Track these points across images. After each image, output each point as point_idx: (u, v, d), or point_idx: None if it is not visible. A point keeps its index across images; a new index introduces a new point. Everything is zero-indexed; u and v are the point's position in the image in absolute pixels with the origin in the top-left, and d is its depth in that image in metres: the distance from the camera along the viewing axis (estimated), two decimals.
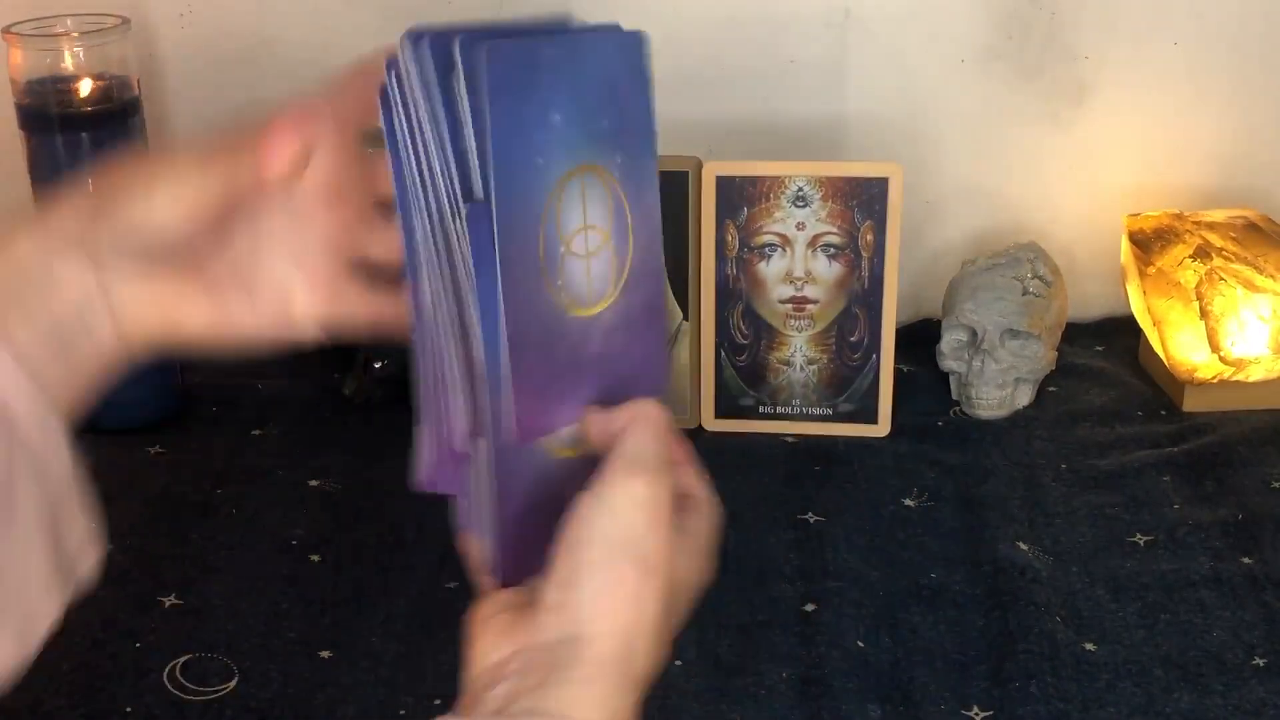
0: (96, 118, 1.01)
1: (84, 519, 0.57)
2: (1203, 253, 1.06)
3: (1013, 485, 0.98)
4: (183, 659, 0.80)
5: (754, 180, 1.03)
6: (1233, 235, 1.07)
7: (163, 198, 0.57)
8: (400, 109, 0.55)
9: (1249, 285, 1.03)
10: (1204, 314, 1.04)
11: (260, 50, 1.16)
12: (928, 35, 1.16)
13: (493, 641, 0.52)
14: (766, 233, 1.04)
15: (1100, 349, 1.18)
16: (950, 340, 1.09)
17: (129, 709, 0.77)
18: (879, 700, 0.78)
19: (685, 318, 1.06)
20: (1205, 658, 0.81)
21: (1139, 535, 0.92)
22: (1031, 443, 1.04)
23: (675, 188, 1.04)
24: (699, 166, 1.04)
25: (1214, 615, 0.84)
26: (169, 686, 0.78)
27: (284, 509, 0.96)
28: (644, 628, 0.51)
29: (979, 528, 0.93)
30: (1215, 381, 1.06)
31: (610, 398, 0.56)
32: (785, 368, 1.06)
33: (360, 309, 0.60)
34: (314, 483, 0.99)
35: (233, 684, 0.79)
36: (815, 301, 1.05)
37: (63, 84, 1.00)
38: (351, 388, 1.11)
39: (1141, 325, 1.12)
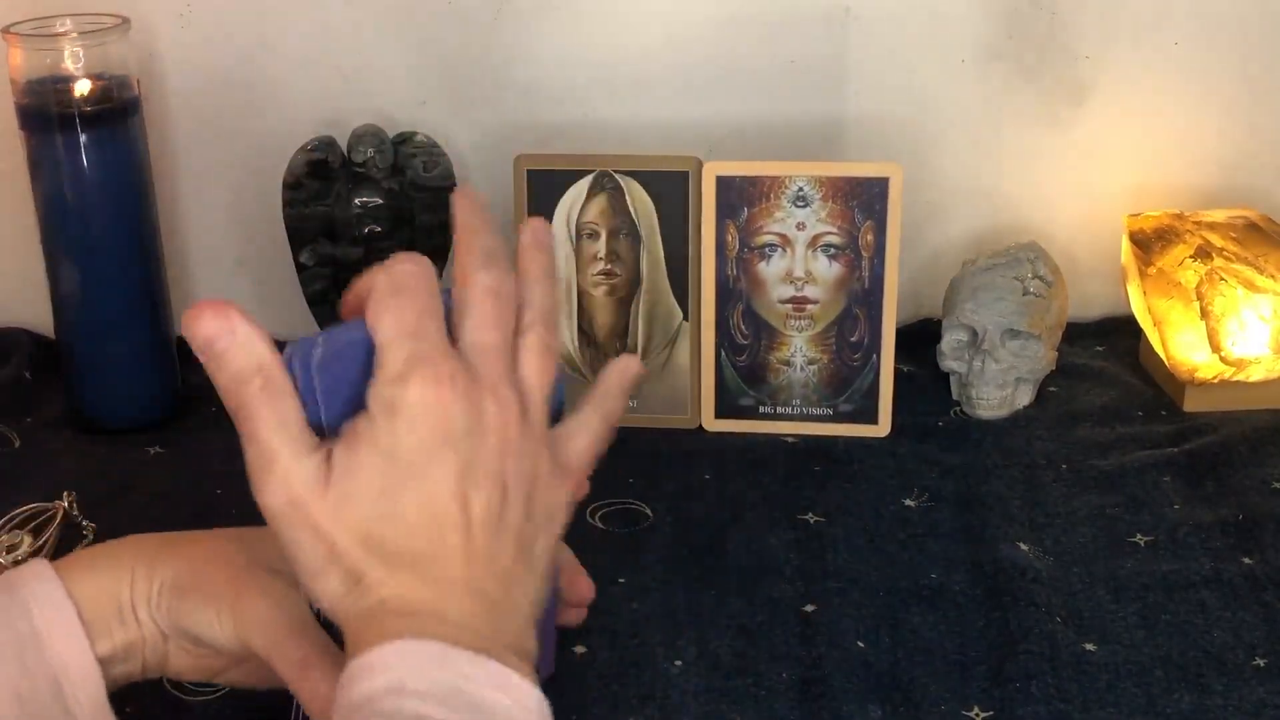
0: (96, 118, 1.01)
1: None
2: (1203, 253, 1.06)
3: (1013, 485, 0.98)
4: None
5: (754, 180, 1.03)
6: (1233, 235, 1.07)
7: (235, 630, 0.63)
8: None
9: (1249, 285, 1.03)
10: (1204, 314, 1.04)
11: (260, 50, 1.16)
12: (928, 35, 1.16)
13: None
14: (766, 233, 1.04)
15: (1100, 349, 1.18)
16: (950, 340, 1.09)
17: (129, 709, 0.77)
18: (879, 700, 0.78)
19: (685, 318, 1.06)
20: (1205, 658, 0.81)
21: (1139, 535, 0.92)
22: (1032, 443, 1.04)
23: (675, 188, 1.04)
24: (699, 166, 1.04)
25: (1214, 615, 0.84)
26: (168, 686, 0.78)
27: None
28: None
29: (979, 528, 0.93)
30: (1216, 382, 1.06)
31: None
32: (785, 368, 1.06)
33: None
34: None
35: None
36: (815, 301, 1.05)
37: (62, 84, 1.00)
38: None
39: (1142, 325, 1.12)
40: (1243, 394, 1.06)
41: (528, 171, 1.06)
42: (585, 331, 1.07)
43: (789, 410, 1.06)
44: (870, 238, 1.03)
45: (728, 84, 1.16)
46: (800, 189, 1.03)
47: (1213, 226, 1.09)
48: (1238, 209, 1.13)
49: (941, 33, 1.16)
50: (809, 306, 1.05)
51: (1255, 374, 1.05)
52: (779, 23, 1.15)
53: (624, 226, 1.06)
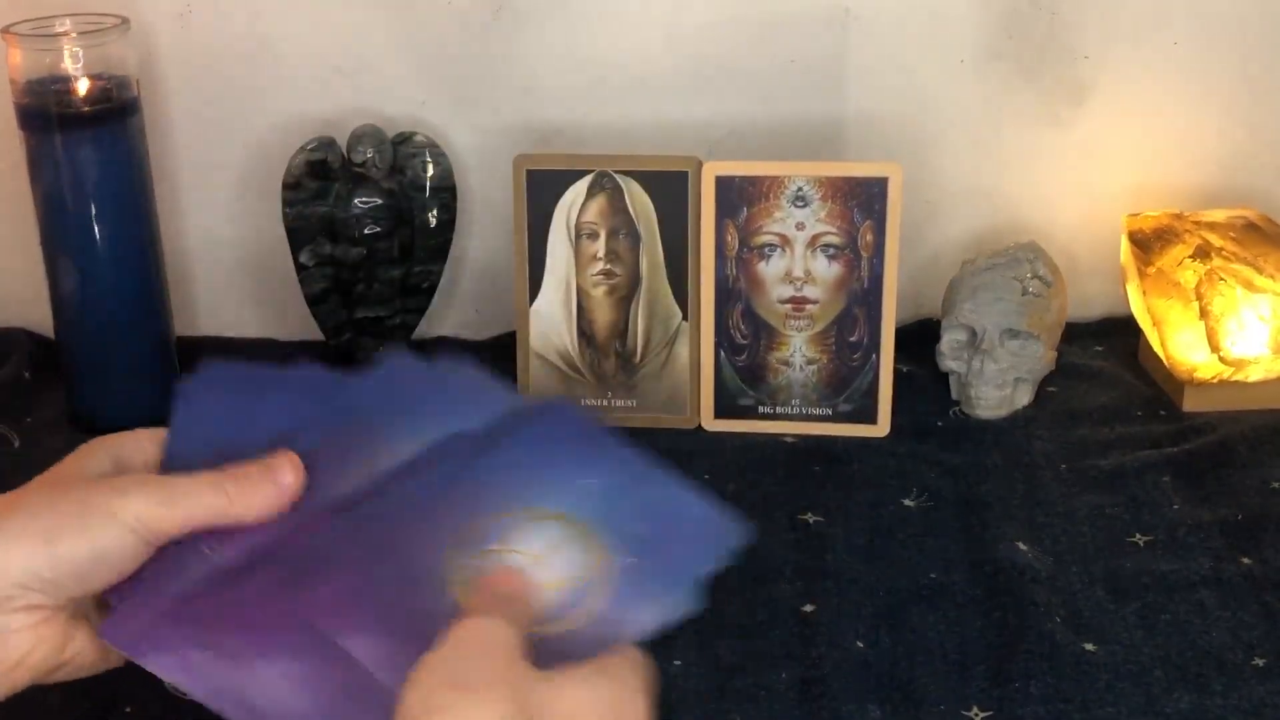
0: (96, 118, 1.01)
1: None
2: (1203, 253, 1.06)
3: (1013, 485, 0.98)
4: None
5: (754, 180, 1.03)
6: (1233, 235, 1.07)
7: (119, 526, 0.57)
8: None
9: (1249, 285, 1.03)
10: (1204, 314, 1.04)
11: (260, 50, 1.16)
12: (928, 35, 1.16)
13: None
14: (766, 233, 1.04)
15: (1100, 349, 1.18)
16: (950, 340, 1.09)
17: (128, 709, 0.77)
18: (878, 701, 0.78)
19: (685, 318, 1.06)
20: (1205, 658, 0.81)
21: (1139, 535, 0.92)
22: (1031, 443, 1.04)
23: (675, 188, 1.04)
24: (699, 166, 1.04)
25: (1214, 615, 0.84)
26: (168, 686, 0.78)
27: None
28: None
29: (979, 528, 0.93)
30: (1215, 381, 1.06)
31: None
32: (785, 368, 1.06)
33: None
34: None
35: None
36: (815, 301, 1.05)
37: (62, 84, 1.00)
38: None
39: (1141, 325, 1.12)
40: (1242, 394, 1.06)
41: (527, 171, 1.06)
42: (585, 332, 1.07)
43: (788, 410, 1.06)
44: (870, 238, 1.03)
45: (728, 84, 1.16)
46: (800, 189, 1.03)
47: (1212, 226, 1.09)
48: (1237, 209, 1.13)
49: (941, 33, 1.16)
50: (808, 306, 1.05)
51: (1254, 374, 1.05)
52: (779, 23, 1.15)
53: (623, 226, 1.06)
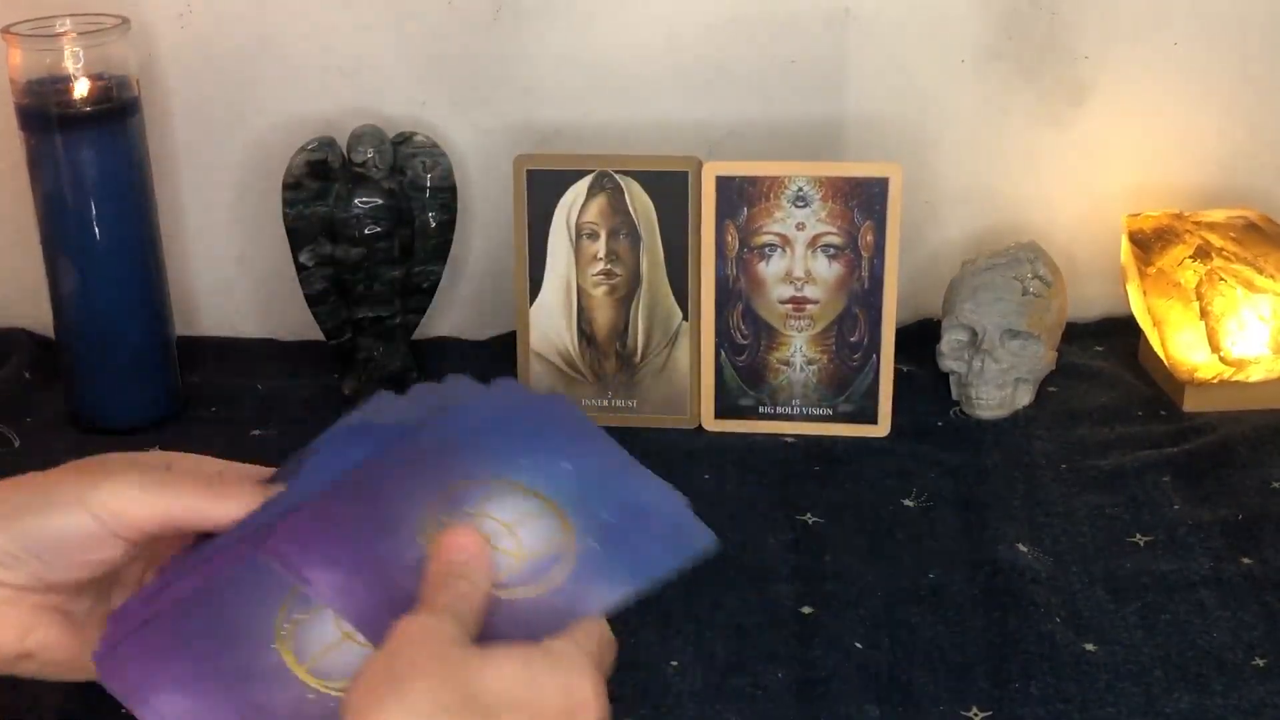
0: (96, 118, 1.01)
1: None
2: (1203, 253, 1.06)
3: (1013, 485, 0.98)
4: None
5: (754, 180, 1.03)
6: (1233, 235, 1.07)
7: (83, 512, 0.56)
8: None
9: (1249, 285, 1.03)
10: (1204, 314, 1.04)
11: (260, 50, 1.16)
12: (928, 35, 1.16)
13: None
14: (766, 233, 1.04)
15: (1100, 349, 1.18)
16: (950, 340, 1.09)
17: (124, 709, 0.77)
18: (877, 701, 0.78)
19: (685, 318, 1.06)
20: (1205, 658, 0.81)
21: (1139, 535, 0.92)
22: (1031, 443, 1.04)
23: (675, 188, 1.04)
24: (699, 166, 1.04)
25: (1214, 615, 0.84)
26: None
27: None
28: None
29: (979, 528, 0.93)
30: (1215, 381, 1.06)
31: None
32: (785, 368, 1.06)
33: None
34: None
35: None
36: (815, 301, 1.05)
37: (62, 84, 1.00)
38: (351, 388, 1.11)
39: (1141, 325, 1.12)
40: (1242, 394, 1.06)
41: (527, 171, 1.06)
42: (585, 331, 1.07)
43: (788, 410, 1.06)
44: (870, 238, 1.03)
45: (728, 84, 1.16)
46: (800, 189, 1.03)
47: (1212, 226, 1.09)
48: (1237, 209, 1.13)
49: (941, 33, 1.16)
50: (808, 306, 1.05)
51: (1255, 374, 1.05)
52: (779, 23, 1.15)
53: (624, 226, 1.06)
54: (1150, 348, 1.11)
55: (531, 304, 1.07)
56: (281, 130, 1.16)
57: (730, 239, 1.04)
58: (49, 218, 1.03)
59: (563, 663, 0.52)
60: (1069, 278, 1.14)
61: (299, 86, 1.17)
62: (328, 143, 1.09)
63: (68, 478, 0.58)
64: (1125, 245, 1.12)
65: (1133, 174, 1.20)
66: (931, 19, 1.15)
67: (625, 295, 1.07)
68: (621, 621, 0.85)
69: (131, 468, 0.58)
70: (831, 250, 1.04)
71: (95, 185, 1.02)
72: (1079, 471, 1.00)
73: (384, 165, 1.09)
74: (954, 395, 1.09)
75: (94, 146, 1.01)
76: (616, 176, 1.05)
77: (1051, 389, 1.11)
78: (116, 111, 1.02)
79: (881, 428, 1.05)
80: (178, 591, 0.56)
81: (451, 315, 1.23)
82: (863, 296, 1.04)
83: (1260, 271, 1.04)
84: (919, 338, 1.14)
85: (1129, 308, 1.13)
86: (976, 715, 0.77)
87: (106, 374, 1.07)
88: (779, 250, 1.04)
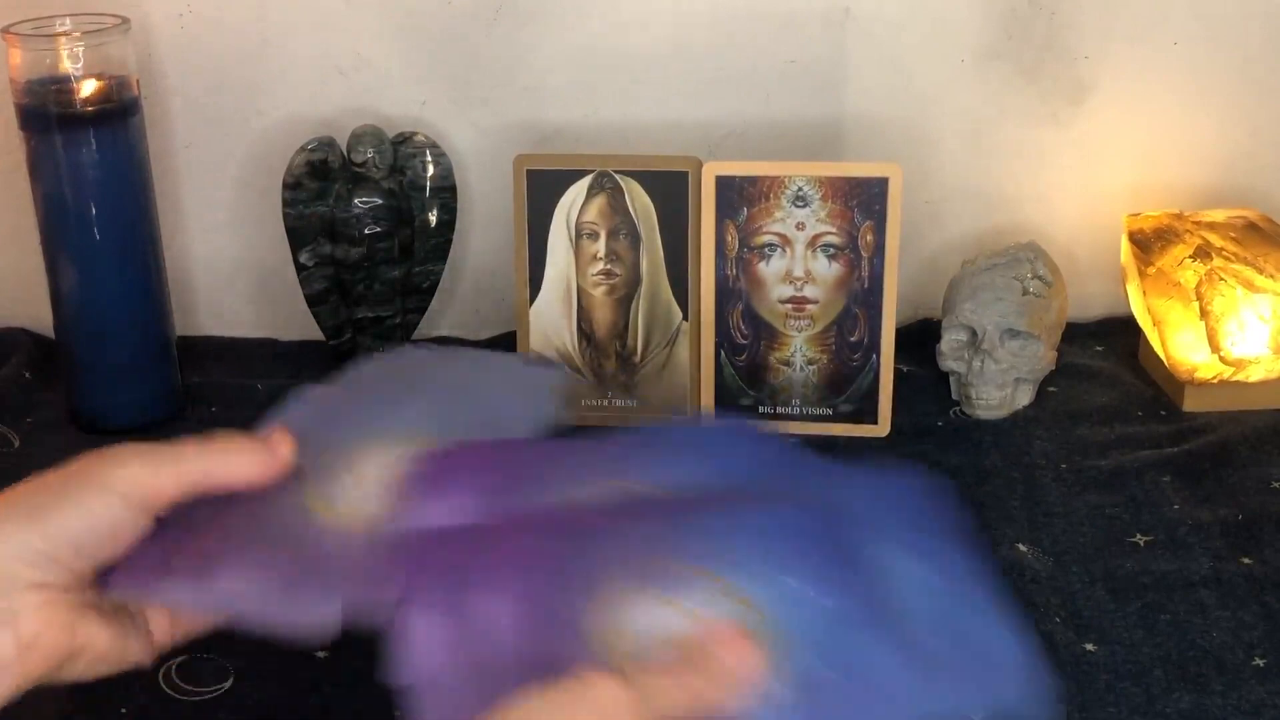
0: (96, 118, 1.01)
1: None
2: (1203, 253, 1.06)
3: (1012, 485, 0.98)
4: (178, 659, 0.80)
5: (754, 180, 1.03)
6: (1233, 235, 1.07)
7: (109, 493, 0.57)
8: None
9: (1249, 285, 1.03)
10: (1204, 314, 1.04)
11: (260, 50, 1.16)
12: (928, 35, 1.16)
13: None
14: (766, 233, 1.04)
15: (1100, 349, 1.18)
16: (950, 340, 1.09)
17: (123, 710, 0.77)
18: None
19: (685, 318, 1.06)
20: (1205, 658, 0.81)
21: (1139, 535, 0.92)
22: (1031, 443, 1.04)
23: (675, 188, 1.04)
24: (699, 166, 1.04)
25: (1214, 615, 0.84)
26: (164, 687, 0.78)
27: None
28: None
29: (978, 528, 0.93)
30: (1215, 381, 1.06)
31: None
32: (785, 368, 1.06)
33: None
34: None
35: (228, 684, 0.79)
36: (815, 301, 1.05)
37: (62, 84, 1.00)
38: None
39: (1141, 325, 1.12)
40: (1242, 394, 1.06)
41: (527, 171, 1.06)
42: (585, 331, 1.07)
43: (788, 410, 1.06)
44: (870, 238, 1.03)
45: (728, 84, 1.16)
46: (800, 189, 1.03)
47: (1212, 226, 1.09)
48: (1237, 209, 1.13)
49: (941, 33, 1.16)
50: (808, 306, 1.05)
51: (1255, 374, 1.05)
52: (778, 23, 1.15)
53: (624, 226, 1.06)
54: (1150, 348, 1.11)
55: (531, 304, 1.07)
56: (281, 130, 1.16)
57: (730, 239, 1.04)
58: (49, 218, 1.03)
59: None
60: (1069, 278, 1.14)
61: (299, 86, 1.17)
62: (328, 143, 1.10)
63: (80, 470, 0.58)
64: (1125, 245, 1.12)
65: (1133, 174, 1.20)
66: (931, 19, 1.15)
67: (625, 295, 1.07)
68: None
69: (138, 447, 0.59)
70: (831, 250, 1.04)
71: (95, 185, 1.02)
72: (1079, 471, 1.00)
73: (384, 165, 1.09)
74: (954, 395, 1.09)
75: (94, 146, 1.01)
76: (616, 176, 1.05)
77: (1051, 389, 1.11)
78: (116, 111, 1.02)
79: (881, 428, 1.05)
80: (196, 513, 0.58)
81: (451, 315, 1.23)
82: (863, 296, 1.04)
83: (1260, 271, 1.04)
84: (919, 338, 1.14)
85: (1129, 308, 1.13)
86: (976, 715, 0.77)
87: (106, 374, 1.07)
88: (779, 250, 1.04)
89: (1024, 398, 1.08)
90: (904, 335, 1.09)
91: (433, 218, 1.12)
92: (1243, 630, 0.83)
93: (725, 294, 1.05)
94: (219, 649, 0.81)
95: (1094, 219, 1.20)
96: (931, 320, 1.16)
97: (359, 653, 0.82)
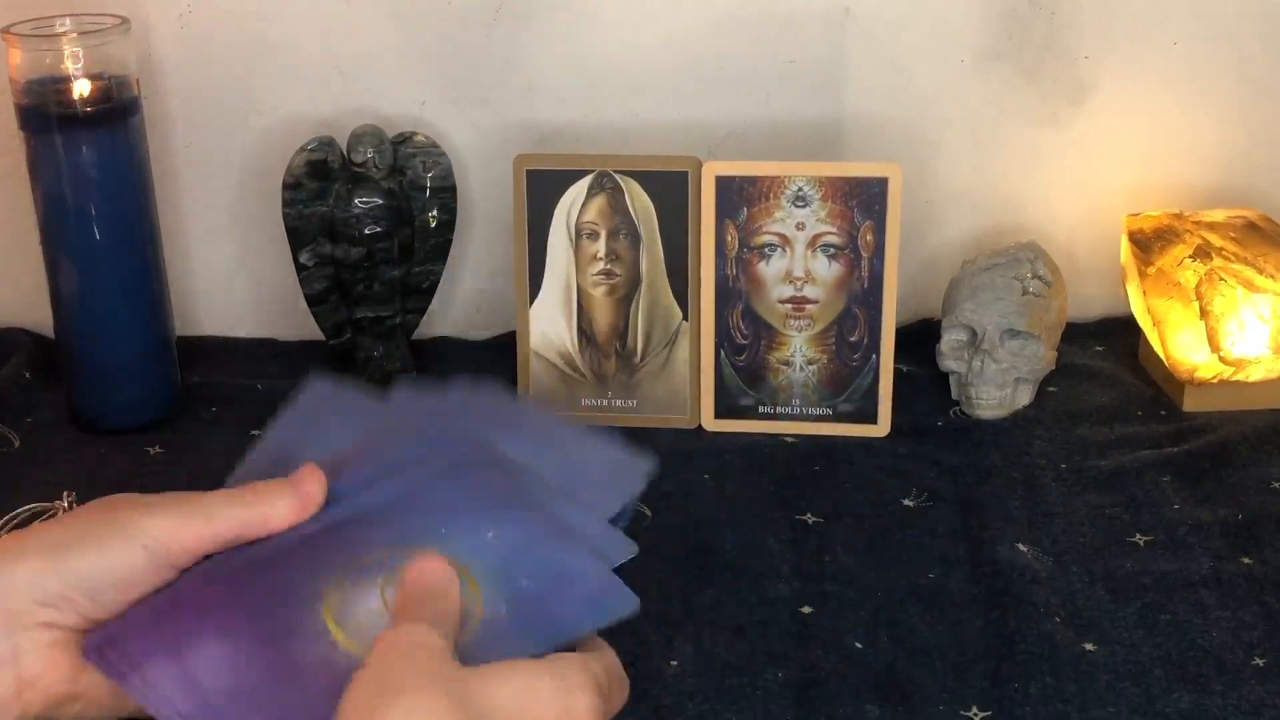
0: (96, 118, 1.01)
1: None
2: (1203, 253, 1.06)
3: (1012, 485, 0.98)
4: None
5: (754, 180, 1.03)
6: (1233, 235, 1.07)
7: (131, 541, 0.57)
8: None
9: (1249, 285, 1.03)
10: (1204, 314, 1.04)
11: (260, 50, 1.16)
12: (928, 35, 1.16)
13: None
14: (766, 233, 1.04)
15: (1100, 349, 1.18)
16: (950, 340, 1.09)
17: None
18: (877, 701, 0.78)
19: (685, 318, 1.06)
20: (1205, 658, 0.81)
21: (1139, 535, 0.92)
22: (1031, 443, 1.04)
23: (675, 188, 1.05)
24: (699, 166, 1.04)
25: (1214, 615, 0.84)
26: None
27: None
28: None
29: (978, 528, 0.93)
30: (1215, 381, 1.06)
31: None
32: (785, 368, 1.06)
33: None
34: None
35: None
36: (815, 301, 1.05)
37: (62, 84, 1.00)
38: None
39: (1141, 325, 1.12)
40: (1242, 394, 1.06)
41: (527, 171, 1.06)
42: (585, 331, 1.07)
43: (788, 410, 1.06)
44: (870, 238, 1.03)
45: (728, 84, 1.16)
46: (800, 189, 1.03)
47: (1212, 226, 1.09)
48: (1237, 209, 1.13)
49: (941, 33, 1.16)
50: (808, 306, 1.05)
51: (1255, 374, 1.05)
52: (778, 23, 1.15)
53: (624, 226, 1.06)
54: (1150, 348, 1.11)
55: (531, 304, 1.07)
56: (281, 130, 1.16)
57: (730, 239, 1.04)
58: (49, 218, 1.03)
59: (565, 682, 0.51)
60: (1069, 278, 1.15)
61: (299, 86, 1.17)
62: (328, 143, 1.10)
63: (108, 512, 0.58)
64: (1125, 245, 1.12)
65: (1133, 174, 1.20)
66: (931, 19, 1.15)
67: (625, 295, 1.07)
68: (621, 621, 0.85)
69: (170, 499, 0.59)
70: (831, 250, 1.04)
71: (95, 185, 1.02)
72: (1079, 471, 1.00)
73: (384, 165, 1.09)
74: (954, 395, 1.09)
75: (94, 146, 1.01)
76: (616, 176, 1.05)
77: (1051, 389, 1.11)
78: (116, 111, 1.02)
79: (881, 428, 1.05)
80: (197, 572, 0.58)
81: (451, 315, 1.23)
82: (863, 296, 1.04)
83: (1260, 271, 1.04)
84: (919, 338, 1.14)
85: (1129, 308, 1.13)
86: (976, 715, 0.77)
87: (106, 374, 1.07)
88: (779, 250, 1.04)
89: (1024, 398, 1.08)
90: (904, 335, 1.09)
91: (432, 218, 1.12)
92: (1243, 630, 0.83)
93: (725, 294, 1.05)
94: None
95: (1094, 219, 1.20)
96: (931, 320, 1.16)
97: None
